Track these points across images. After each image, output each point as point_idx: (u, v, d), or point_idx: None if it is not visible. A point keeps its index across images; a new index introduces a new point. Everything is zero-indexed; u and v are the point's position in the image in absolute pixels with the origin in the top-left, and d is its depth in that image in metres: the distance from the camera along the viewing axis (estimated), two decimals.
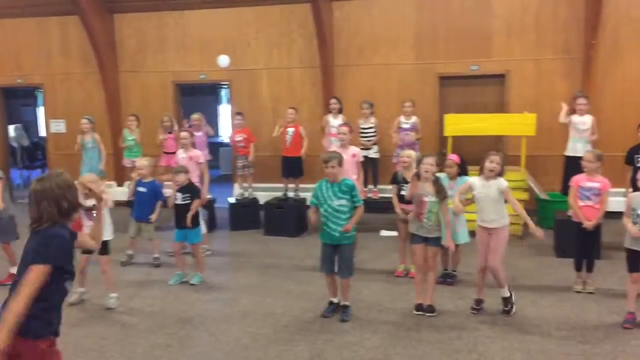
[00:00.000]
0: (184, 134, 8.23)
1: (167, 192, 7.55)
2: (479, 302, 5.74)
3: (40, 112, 15.97)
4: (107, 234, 6.11)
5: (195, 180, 7.52)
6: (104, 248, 6.08)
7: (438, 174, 5.95)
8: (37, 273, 2.89)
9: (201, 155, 8.29)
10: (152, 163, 7.75)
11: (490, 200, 5.48)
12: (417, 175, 5.60)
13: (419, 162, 5.65)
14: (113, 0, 10.98)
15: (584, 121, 8.06)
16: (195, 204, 6.80)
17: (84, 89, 11.64)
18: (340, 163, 5.43)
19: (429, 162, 5.54)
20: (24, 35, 11.74)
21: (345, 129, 7.44)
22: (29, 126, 17.27)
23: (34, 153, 15.09)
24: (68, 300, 5.92)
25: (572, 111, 8.23)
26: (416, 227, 5.65)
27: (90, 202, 6.00)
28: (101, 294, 6.20)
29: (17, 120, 15.79)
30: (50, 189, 3.04)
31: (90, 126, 9.52)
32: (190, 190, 6.85)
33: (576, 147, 7.92)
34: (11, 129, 13.68)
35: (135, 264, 7.63)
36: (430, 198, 5.51)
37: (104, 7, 11.02)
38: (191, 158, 7.99)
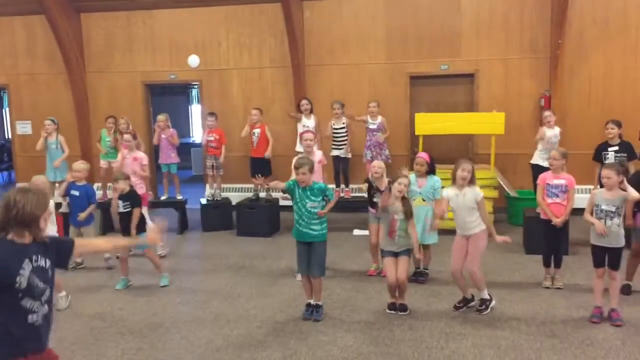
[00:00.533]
0: (127, 136, 8.18)
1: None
2: (465, 300, 5.75)
3: (6, 113, 15.64)
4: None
5: (137, 182, 7.60)
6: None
7: (408, 174, 6.02)
8: None
9: (145, 157, 8.26)
10: (89, 167, 7.63)
11: (466, 208, 5.52)
12: (389, 190, 5.69)
13: (393, 181, 5.69)
14: (79, 0, 10.79)
15: (555, 134, 8.19)
16: (136, 214, 6.64)
17: (50, 90, 11.42)
18: (312, 170, 5.47)
19: (403, 182, 5.59)
20: None
21: (309, 135, 7.47)
22: None
23: (0, 155, 14.77)
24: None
25: (541, 124, 8.39)
26: (387, 243, 5.68)
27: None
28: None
29: None
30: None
31: (54, 127, 9.32)
32: (130, 197, 6.70)
33: (546, 157, 7.97)
34: None
35: (93, 269, 7.46)
36: (400, 216, 5.56)
37: (71, 7, 10.84)
38: (135, 159, 7.96)
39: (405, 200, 5.63)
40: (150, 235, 3.47)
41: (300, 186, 5.44)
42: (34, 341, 2.94)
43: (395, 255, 5.67)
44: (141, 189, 7.80)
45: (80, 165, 7.42)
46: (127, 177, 6.90)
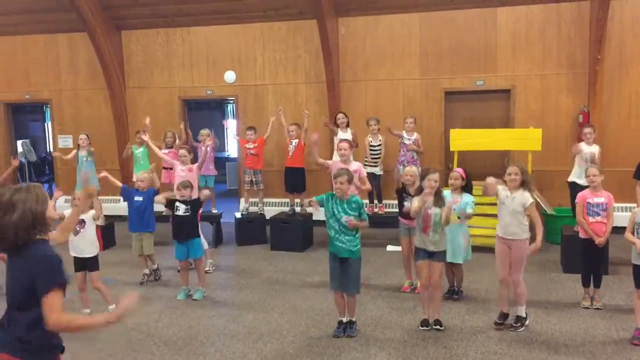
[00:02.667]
0: (182, 151, 8.32)
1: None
2: (503, 316, 5.68)
3: (48, 127, 16.10)
4: (94, 250, 6.14)
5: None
6: (94, 264, 6.14)
7: (443, 190, 5.97)
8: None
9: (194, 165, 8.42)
10: (152, 176, 7.81)
11: (510, 212, 5.45)
12: (420, 191, 5.63)
13: (423, 177, 5.64)
14: (121, 17, 11.10)
15: (592, 151, 8.03)
16: (204, 195, 6.97)
17: (91, 105, 11.74)
18: (350, 180, 5.39)
19: (433, 177, 5.52)
20: (33, 51, 11.88)
21: (345, 144, 7.46)
22: (37, 141, 17.39)
23: (42, 168, 15.18)
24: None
25: (579, 139, 8.25)
26: (422, 240, 5.62)
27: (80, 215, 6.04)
28: (104, 310, 6.21)
29: (25, 136, 15.90)
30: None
31: (87, 142, 9.76)
32: (193, 203, 6.88)
33: (582, 174, 7.83)
34: (19, 144, 13.78)
35: (128, 282, 7.60)
36: (434, 210, 5.50)
37: (112, 24, 11.14)
38: (190, 170, 8.11)
39: (437, 192, 5.54)
40: (121, 309, 3.17)
41: (337, 198, 5.39)
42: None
43: (430, 256, 5.59)
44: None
45: (143, 174, 7.64)
46: (192, 186, 7.06)
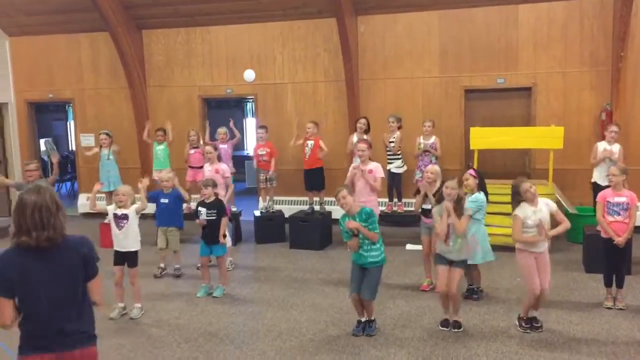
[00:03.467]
0: (208, 148, 8.37)
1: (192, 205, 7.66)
2: (528, 321, 5.60)
3: (71, 126, 16.32)
4: (136, 245, 6.23)
5: (221, 193, 7.62)
6: (134, 259, 6.19)
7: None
8: None
9: (227, 169, 8.43)
10: (175, 175, 7.88)
11: (547, 223, 5.40)
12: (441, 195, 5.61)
13: (442, 186, 5.64)
14: (142, 17, 11.20)
15: (612, 150, 7.92)
16: (224, 223, 6.81)
17: (113, 104, 11.86)
18: (351, 193, 5.48)
19: (450, 185, 5.51)
20: (56, 51, 12.03)
21: (363, 145, 7.47)
22: (60, 140, 17.63)
23: (64, 166, 15.37)
24: (109, 315, 6.05)
25: (602, 137, 8.15)
26: (443, 249, 5.61)
27: (121, 211, 6.14)
28: (129, 306, 6.29)
29: (48, 134, 16.12)
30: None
31: (108, 140, 9.82)
32: (216, 206, 6.84)
33: (603, 174, 7.73)
34: (42, 143, 13.96)
35: (150, 278, 7.69)
36: (453, 219, 5.48)
37: (133, 24, 11.24)
38: (217, 171, 8.11)
39: (458, 201, 5.53)
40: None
41: (348, 215, 5.37)
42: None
43: (450, 263, 5.57)
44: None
45: (167, 174, 7.73)
46: (215, 185, 7.04)
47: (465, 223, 5.52)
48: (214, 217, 6.78)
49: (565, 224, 5.51)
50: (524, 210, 5.37)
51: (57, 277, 2.97)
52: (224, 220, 6.84)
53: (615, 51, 9.17)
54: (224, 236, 6.84)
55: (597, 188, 7.74)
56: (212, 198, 6.88)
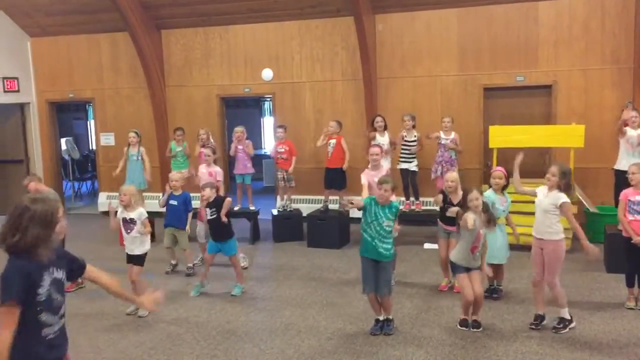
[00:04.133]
0: (207, 150, 8.39)
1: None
2: (538, 317, 5.59)
3: (91, 125, 16.50)
4: (142, 249, 6.30)
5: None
6: (140, 259, 6.33)
7: (486, 193, 5.95)
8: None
9: (221, 172, 8.48)
10: (185, 176, 7.92)
11: (542, 210, 5.42)
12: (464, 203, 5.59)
13: (465, 195, 5.59)
14: (161, 17, 11.28)
15: (639, 134, 7.85)
16: (226, 204, 6.83)
17: (132, 103, 11.97)
18: (394, 190, 5.50)
19: (475, 196, 5.43)
20: (76, 51, 12.16)
21: (376, 149, 7.49)
22: (80, 139, 17.83)
23: (85, 165, 15.55)
24: (125, 311, 6.13)
25: (625, 124, 8.06)
26: (465, 259, 5.51)
27: (129, 215, 6.22)
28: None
29: (69, 134, 16.31)
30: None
31: (137, 140, 9.76)
32: (216, 204, 6.88)
33: (629, 161, 7.66)
34: (62, 142, 14.14)
35: (178, 273, 7.78)
36: (484, 230, 5.47)
37: (152, 24, 11.33)
38: (210, 174, 8.16)
39: (486, 209, 5.51)
40: (146, 302, 3.44)
41: (379, 204, 5.41)
42: (53, 356, 2.98)
43: (467, 270, 5.56)
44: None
45: (176, 174, 7.79)
46: (213, 186, 7.07)
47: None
48: (216, 215, 6.84)
49: (576, 227, 5.46)
50: (540, 189, 5.59)
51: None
52: (226, 201, 6.89)
53: (637, 48, 9.03)
54: (227, 229, 6.88)
55: (619, 175, 7.64)
56: (212, 198, 6.90)
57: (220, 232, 6.85)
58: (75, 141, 16.33)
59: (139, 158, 9.71)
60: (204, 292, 6.96)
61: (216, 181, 8.18)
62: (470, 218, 5.28)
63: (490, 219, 5.51)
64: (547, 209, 5.37)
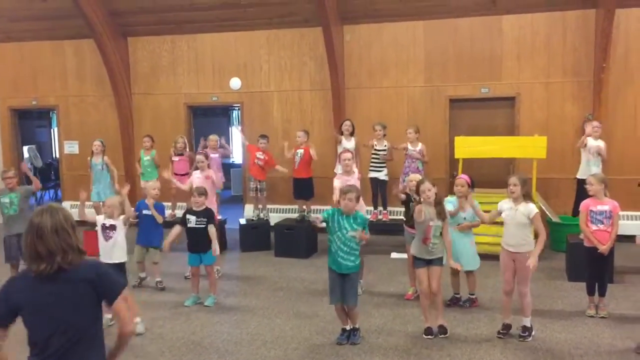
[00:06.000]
0: (199, 157, 8.32)
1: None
2: (507, 326, 5.66)
3: (55, 133, 16.18)
4: (123, 256, 6.19)
5: (212, 199, 7.66)
6: (120, 271, 6.12)
7: (448, 198, 6.02)
8: None
9: (219, 178, 8.40)
10: (158, 186, 7.78)
11: (516, 224, 5.46)
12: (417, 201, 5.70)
13: (417, 190, 5.69)
14: (127, 24, 11.17)
15: (598, 146, 8.05)
16: (213, 232, 6.73)
17: (97, 111, 11.80)
18: (358, 199, 5.49)
19: (427, 187, 5.55)
20: (40, 57, 11.95)
21: (348, 154, 7.51)
22: (43, 147, 17.47)
23: (48, 174, 15.24)
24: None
25: (581, 135, 8.29)
26: (420, 250, 5.66)
27: (109, 222, 6.11)
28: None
29: (31, 141, 15.97)
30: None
31: (102, 148, 9.62)
32: (206, 215, 6.79)
33: (590, 170, 7.87)
34: (25, 150, 13.84)
35: (146, 287, 7.66)
36: (435, 222, 5.53)
37: (119, 31, 11.21)
38: (207, 177, 8.08)
39: (438, 204, 5.58)
40: None
41: (343, 214, 5.41)
42: None
43: (428, 263, 5.62)
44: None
45: (157, 183, 7.67)
46: (206, 193, 7.00)
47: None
48: (203, 226, 6.74)
49: (541, 238, 5.52)
50: (504, 204, 5.60)
51: (62, 303, 2.75)
52: (213, 230, 6.77)
53: (597, 62, 9.30)
54: (205, 245, 6.75)
55: (580, 185, 7.83)
56: (203, 207, 6.84)
57: (202, 242, 6.74)
58: (38, 149, 16.00)
59: (104, 168, 9.56)
60: (169, 302, 6.87)
61: (214, 184, 8.11)
62: (418, 209, 5.42)
63: (441, 211, 5.57)
64: (522, 222, 5.44)
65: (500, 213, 5.61)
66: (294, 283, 7.68)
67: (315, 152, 9.30)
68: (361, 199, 7.13)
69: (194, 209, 6.83)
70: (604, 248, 5.99)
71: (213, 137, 9.78)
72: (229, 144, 18.21)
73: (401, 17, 10.13)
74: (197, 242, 6.76)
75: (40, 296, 2.71)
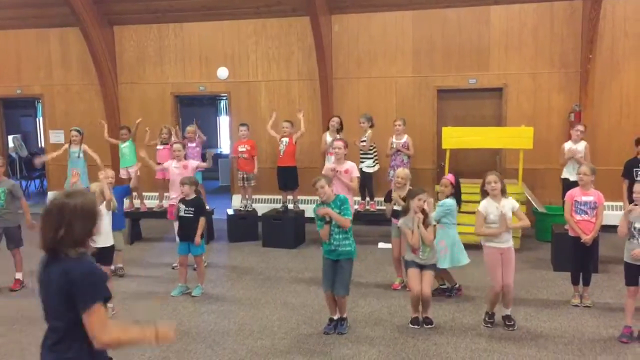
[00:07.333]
0: (177, 145, 8.28)
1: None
2: (492, 315, 5.71)
3: (40, 122, 16.01)
4: (109, 240, 6.16)
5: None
6: (107, 256, 6.10)
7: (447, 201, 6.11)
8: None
9: (195, 162, 8.36)
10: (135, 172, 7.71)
11: (505, 221, 5.49)
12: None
13: (413, 195, 5.70)
14: (113, 12, 11.05)
15: (577, 149, 8.08)
16: (201, 224, 6.71)
17: (83, 100, 11.69)
18: (329, 182, 5.52)
19: (423, 197, 5.65)
20: (25, 46, 11.80)
21: (340, 143, 7.52)
22: (29, 137, 17.30)
23: (33, 164, 15.09)
24: None
25: (570, 137, 8.32)
26: (412, 258, 5.73)
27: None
28: None
29: (16, 131, 15.82)
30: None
31: (79, 137, 9.49)
32: (195, 204, 6.79)
33: (573, 170, 7.88)
34: (10, 140, 13.69)
35: (127, 276, 7.60)
36: (419, 229, 5.62)
37: (104, 19, 11.09)
38: (185, 167, 8.06)
39: (425, 214, 5.66)
40: (162, 334, 2.83)
41: (325, 203, 5.41)
42: None
43: (420, 267, 5.66)
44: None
45: (111, 171, 7.58)
46: (193, 182, 6.94)
47: (432, 234, 5.66)
48: (192, 215, 6.73)
49: (524, 222, 5.67)
50: (487, 206, 5.56)
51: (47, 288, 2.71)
52: (202, 221, 6.75)
53: (584, 53, 9.35)
54: (201, 236, 6.76)
55: (567, 183, 7.89)
56: (192, 196, 6.82)
57: (188, 231, 6.74)
58: (23, 139, 15.85)
59: (80, 156, 9.45)
60: (157, 293, 6.85)
61: (193, 170, 8.04)
62: (402, 225, 5.68)
63: (426, 222, 5.64)
64: (509, 216, 5.49)
65: (486, 217, 5.57)
66: (282, 273, 7.68)
67: (301, 131, 9.27)
68: (354, 166, 7.14)
69: (185, 198, 6.83)
70: (587, 238, 6.04)
71: (190, 128, 9.73)
72: (216, 134, 18.23)
73: (390, 7, 10.10)
74: (185, 231, 6.77)
75: (40, 274, 2.73)
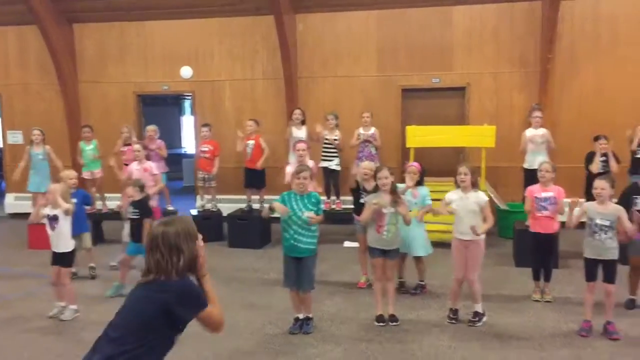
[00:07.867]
0: (137, 146, 8.18)
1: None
2: (455, 312, 5.78)
3: None
4: (69, 245, 6.05)
5: (152, 191, 7.58)
6: (67, 259, 6.08)
7: (399, 185, 6.07)
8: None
9: (155, 166, 8.26)
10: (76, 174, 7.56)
11: (468, 212, 5.54)
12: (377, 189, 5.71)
13: (374, 176, 5.72)
14: (73, 10, 10.82)
15: (539, 134, 8.28)
16: (145, 226, 6.62)
17: (42, 100, 11.41)
18: (312, 176, 5.53)
19: (384, 174, 5.60)
20: None
21: (303, 145, 7.55)
22: None
23: None
24: (48, 314, 6.03)
25: (528, 125, 8.50)
26: (375, 240, 5.68)
27: (52, 212, 5.98)
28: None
29: None
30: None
31: (41, 137, 9.21)
32: (140, 206, 6.78)
33: (535, 159, 8.08)
34: None
35: (82, 278, 7.46)
36: (388, 209, 5.56)
37: (63, 17, 10.85)
38: (145, 170, 7.95)
39: (393, 192, 5.63)
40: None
41: (298, 194, 5.39)
42: None
43: (384, 254, 5.65)
44: (153, 201, 7.69)
45: (73, 172, 7.44)
46: (141, 186, 6.91)
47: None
48: (137, 217, 6.75)
49: (489, 222, 5.64)
50: (452, 195, 5.68)
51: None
52: (146, 223, 6.68)
53: (544, 53, 9.53)
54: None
55: (528, 174, 8.04)
56: (138, 197, 6.80)
57: (135, 232, 6.71)
58: None
59: (45, 158, 9.17)
60: (121, 295, 6.71)
61: (152, 175, 7.98)
62: (372, 199, 5.56)
63: (397, 199, 5.61)
64: (473, 209, 5.54)
65: (448, 204, 5.67)
66: (247, 273, 7.64)
67: (265, 145, 9.25)
68: (315, 183, 7.16)
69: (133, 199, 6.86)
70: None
71: (151, 128, 9.58)
72: (179, 134, 18.01)
73: (354, 6, 10.14)
74: (135, 233, 6.78)
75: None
